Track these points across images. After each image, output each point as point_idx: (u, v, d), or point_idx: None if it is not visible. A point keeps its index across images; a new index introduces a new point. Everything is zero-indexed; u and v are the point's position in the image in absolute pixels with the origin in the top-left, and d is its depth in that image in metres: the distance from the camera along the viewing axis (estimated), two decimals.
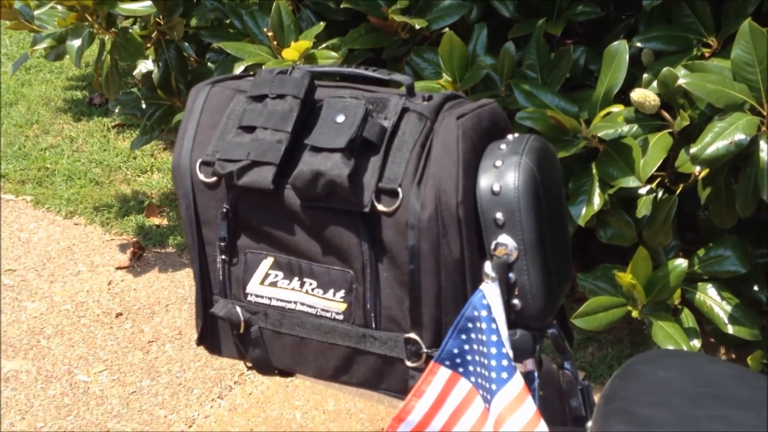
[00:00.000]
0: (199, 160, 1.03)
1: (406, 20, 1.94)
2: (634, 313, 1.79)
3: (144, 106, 2.57)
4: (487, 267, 0.91)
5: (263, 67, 1.95)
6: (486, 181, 0.93)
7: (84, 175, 3.13)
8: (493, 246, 0.92)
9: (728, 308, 1.81)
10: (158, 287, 2.51)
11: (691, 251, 1.89)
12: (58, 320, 2.37)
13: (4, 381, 2.13)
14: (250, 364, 1.09)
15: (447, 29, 1.97)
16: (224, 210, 1.03)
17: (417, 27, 1.94)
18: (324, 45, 2.07)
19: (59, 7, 2.27)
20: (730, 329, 1.80)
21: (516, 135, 0.98)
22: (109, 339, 2.29)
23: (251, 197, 1.01)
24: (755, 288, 1.91)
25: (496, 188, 0.92)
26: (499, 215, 0.92)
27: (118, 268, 2.61)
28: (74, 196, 3.00)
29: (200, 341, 1.12)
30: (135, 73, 2.60)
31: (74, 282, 2.54)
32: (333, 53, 2.01)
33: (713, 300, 1.83)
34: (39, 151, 3.33)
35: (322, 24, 2.05)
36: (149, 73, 2.54)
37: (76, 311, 2.41)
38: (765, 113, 1.52)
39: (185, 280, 2.54)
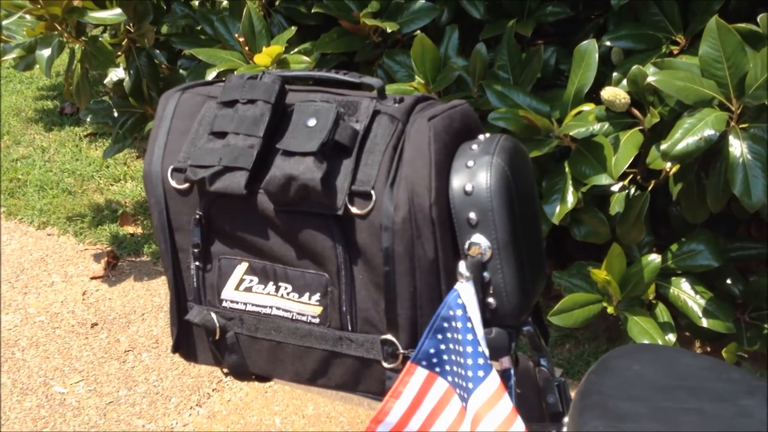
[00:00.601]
0: (171, 166, 1.03)
1: (377, 24, 1.95)
2: (610, 309, 1.81)
3: (116, 114, 2.55)
4: (462, 267, 0.91)
5: (235, 72, 1.94)
6: (458, 182, 0.94)
7: (56, 185, 3.10)
8: (466, 246, 0.93)
9: (702, 302, 1.83)
10: (133, 296, 2.50)
11: (664, 247, 1.91)
12: (32, 332, 2.34)
13: None
14: (226, 371, 1.09)
15: (418, 32, 1.98)
16: (197, 216, 1.02)
17: (389, 30, 1.95)
18: (296, 50, 2.07)
19: (28, 16, 2.25)
20: (705, 323, 1.82)
21: (487, 135, 0.99)
22: (84, 349, 2.27)
23: (224, 203, 1.01)
24: (728, 281, 1.94)
25: (468, 188, 0.93)
26: (472, 215, 0.92)
27: (92, 278, 2.59)
28: (47, 206, 2.97)
29: (176, 349, 1.11)
30: (106, 81, 2.58)
31: (48, 293, 2.52)
32: (305, 58, 2.01)
33: (687, 294, 1.85)
34: (10, 162, 3.30)
35: (293, 29, 2.05)
36: (120, 81, 2.52)
37: (51, 322, 2.39)
38: (733, 109, 1.54)
39: (161, 288, 2.52)
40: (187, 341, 1.10)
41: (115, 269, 2.63)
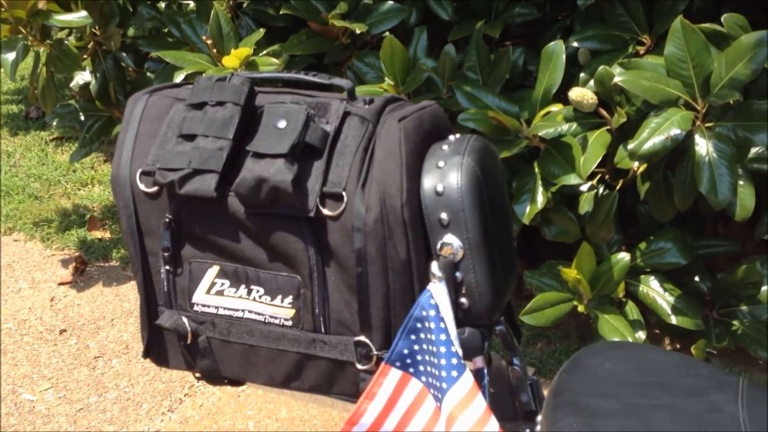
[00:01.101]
0: (139, 170, 1.02)
1: (346, 25, 1.95)
2: (580, 308, 1.83)
3: (82, 118, 2.52)
4: (434, 267, 0.91)
5: (203, 75, 1.93)
6: (429, 182, 0.94)
7: (22, 190, 3.06)
8: (438, 246, 0.93)
9: (671, 299, 1.85)
10: (102, 302, 2.47)
11: (633, 245, 1.93)
12: None
13: None
14: (198, 375, 1.08)
15: (387, 33, 1.98)
16: (167, 220, 1.01)
17: (357, 32, 1.95)
18: (265, 52, 2.06)
19: None
20: (674, 320, 1.84)
21: (458, 135, 0.99)
22: (53, 356, 2.24)
23: (194, 206, 1.00)
24: (696, 279, 1.96)
25: (439, 189, 0.93)
26: (443, 215, 0.93)
27: (60, 284, 2.55)
28: (13, 211, 2.92)
29: (147, 354, 1.10)
30: (72, 84, 2.55)
31: (15, 299, 2.48)
32: (274, 60, 2.00)
33: (656, 292, 1.87)
34: None
35: (261, 31, 2.04)
36: (87, 84, 2.49)
37: (19, 329, 2.35)
38: (699, 108, 1.56)
39: (130, 293, 2.50)
40: (158, 346, 1.09)
41: (84, 275, 2.60)
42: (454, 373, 0.85)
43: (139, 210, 1.03)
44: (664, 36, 1.62)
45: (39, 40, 2.23)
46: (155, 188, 1.01)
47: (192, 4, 2.30)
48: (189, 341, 1.04)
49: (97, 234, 2.80)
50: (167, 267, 1.03)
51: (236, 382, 1.08)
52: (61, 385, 2.14)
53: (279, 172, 0.94)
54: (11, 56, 2.16)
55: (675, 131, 1.52)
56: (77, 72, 2.46)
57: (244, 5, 2.26)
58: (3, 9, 2.08)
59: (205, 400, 2.06)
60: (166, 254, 1.02)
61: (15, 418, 2.02)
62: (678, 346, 2.10)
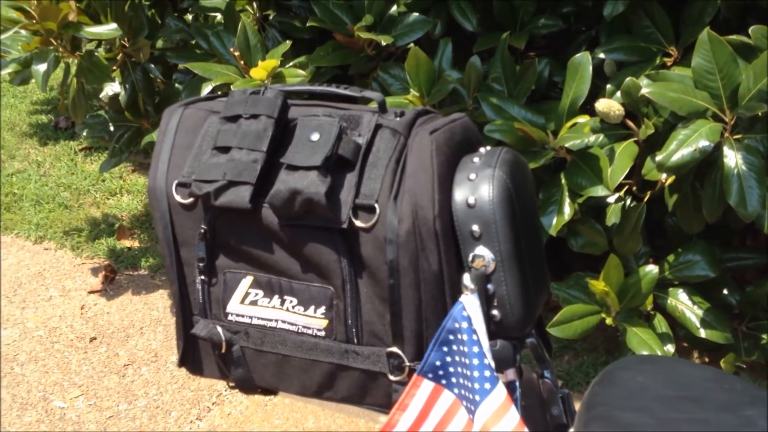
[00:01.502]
0: (175, 181, 1.03)
1: (372, 37, 1.96)
2: (608, 320, 1.82)
3: (112, 128, 2.55)
4: (466, 279, 0.92)
5: (231, 86, 1.95)
6: (461, 195, 0.94)
7: (52, 200, 3.10)
8: (470, 258, 0.93)
9: (700, 312, 1.84)
10: (132, 310, 2.49)
11: (661, 257, 1.92)
12: (31, 346, 2.34)
13: None
14: (232, 384, 1.09)
15: (412, 45, 1.99)
16: (202, 230, 1.03)
17: (383, 43, 1.96)
18: (291, 63, 2.08)
19: (23, 31, 2.26)
20: (703, 333, 1.83)
21: (488, 148, 1.00)
22: (84, 364, 2.27)
23: (229, 217, 1.01)
24: (725, 291, 1.95)
25: (471, 201, 0.93)
26: (475, 227, 0.93)
27: (90, 292, 2.58)
28: (43, 220, 2.97)
29: (182, 363, 1.12)
30: (101, 95, 2.58)
31: (46, 307, 2.51)
32: (300, 71, 2.02)
33: (685, 305, 1.86)
34: (6, 176, 3.29)
35: (288, 42, 2.06)
36: (116, 95, 2.52)
37: (50, 337, 2.38)
38: (727, 120, 1.56)
39: (159, 301, 2.52)
40: (192, 355, 1.10)
41: (113, 283, 2.63)
42: (487, 386, 0.86)
43: (174, 221, 1.04)
44: (691, 47, 1.62)
45: (69, 52, 2.26)
46: (191, 199, 1.02)
47: (219, 17, 2.33)
48: (223, 350, 1.05)
49: (126, 243, 2.84)
50: (202, 277, 1.04)
51: (269, 392, 1.09)
52: (91, 393, 2.16)
53: (312, 184, 0.95)
54: (42, 67, 2.20)
55: (703, 143, 1.52)
56: (107, 83, 2.49)
57: (271, 17, 2.29)
58: (34, 21, 2.11)
59: (233, 408, 2.07)
60: (201, 264, 1.04)
61: (46, 425, 2.05)
62: (707, 359, 2.09)
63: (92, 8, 2.27)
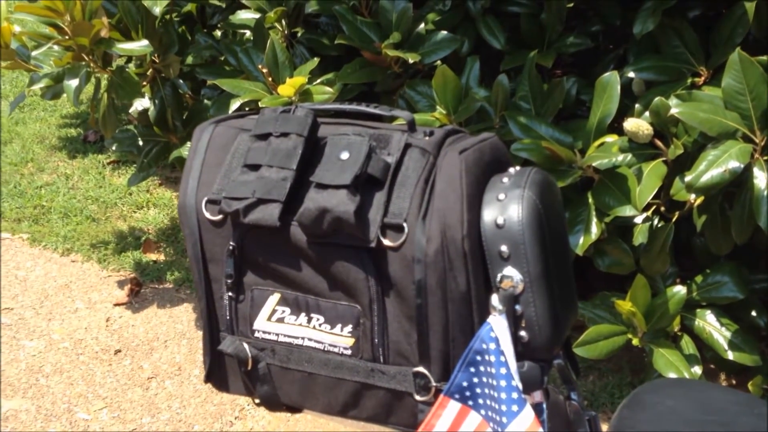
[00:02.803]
0: (205, 198, 1.04)
1: (399, 54, 1.97)
2: (635, 341, 1.80)
3: (140, 143, 2.58)
4: (494, 300, 0.91)
5: (259, 103, 1.97)
6: (490, 215, 0.94)
7: (80, 212, 3.14)
8: (498, 278, 0.93)
9: (727, 334, 1.82)
10: (156, 323, 2.51)
11: (689, 278, 1.91)
12: (56, 358, 2.36)
13: (3, 420, 2.11)
14: (258, 401, 1.09)
15: (439, 62, 2.00)
16: (230, 247, 1.03)
17: (410, 61, 1.97)
18: (319, 80, 2.09)
19: (56, 47, 2.29)
20: (730, 355, 1.81)
21: (518, 168, 1.00)
22: (108, 376, 2.29)
23: (257, 234, 1.02)
24: (753, 313, 1.93)
25: (500, 221, 0.93)
26: (503, 248, 0.93)
27: (116, 305, 2.61)
28: (71, 233, 3.00)
29: (208, 378, 1.12)
30: (131, 110, 2.61)
31: (72, 319, 2.54)
32: (328, 88, 2.03)
33: (712, 326, 1.84)
34: (34, 189, 3.34)
35: (316, 60, 2.08)
36: (145, 110, 2.55)
37: (75, 348, 2.40)
38: (757, 141, 1.55)
39: (183, 315, 2.54)
40: (219, 371, 1.11)
41: (138, 296, 2.65)
42: (515, 408, 0.85)
43: (204, 237, 1.05)
44: (721, 67, 1.61)
45: (101, 67, 2.29)
46: (220, 216, 1.03)
47: (248, 33, 2.35)
48: (249, 367, 1.05)
49: (152, 256, 2.86)
50: (230, 293, 1.05)
51: (294, 409, 1.09)
52: (115, 405, 2.18)
53: (341, 202, 0.95)
54: (74, 83, 2.23)
55: (733, 164, 1.51)
56: (136, 98, 2.52)
57: (299, 35, 2.31)
58: (67, 37, 2.15)
59: (255, 423, 2.08)
60: (229, 281, 1.04)
61: None
62: (734, 381, 2.06)
63: (123, 24, 2.30)
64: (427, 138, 1.00)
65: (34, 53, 2.35)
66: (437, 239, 0.93)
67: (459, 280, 0.93)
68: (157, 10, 2.10)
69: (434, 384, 0.96)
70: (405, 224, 0.95)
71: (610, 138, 1.74)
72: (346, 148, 0.99)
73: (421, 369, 0.97)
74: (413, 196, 0.96)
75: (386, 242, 0.95)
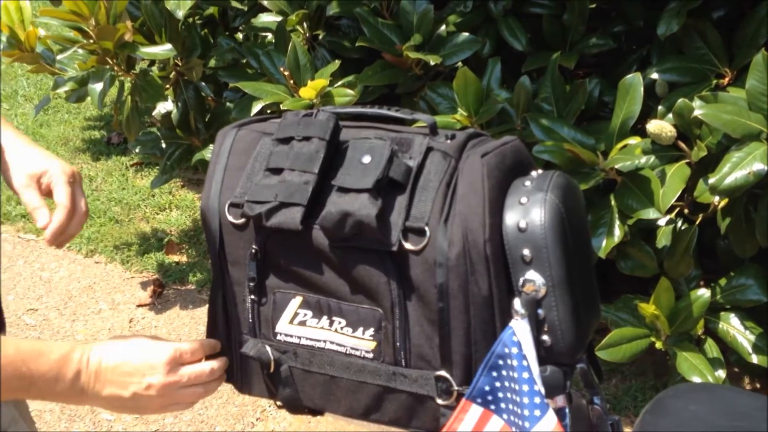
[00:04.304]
0: (228, 202, 1.05)
1: (420, 56, 1.97)
2: (658, 344, 1.79)
3: (164, 145, 2.60)
4: (516, 304, 0.91)
5: (281, 105, 1.98)
6: (512, 218, 0.94)
7: (104, 214, 3.16)
8: (521, 282, 0.93)
9: (752, 338, 1.80)
10: (179, 324, 2.53)
11: (712, 280, 1.89)
12: None
13: None
14: (280, 403, 1.10)
15: (460, 64, 1.99)
16: (253, 251, 1.04)
17: (431, 63, 1.97)
18: (340, 83, 2.10)
19: (81, 50, 2.32)
20: (755, 359, 1.79)
21: (540, 171, 0.99)
22: None
23: (280, 238, 1.02)
24: None
25: (522, 225, 0.93)
26: (526, 252, 0.93)
27: (138, 306, 2.63)
28: (94, 234, 3.03)
29: (229, 379, 1.13)
30: (154, 113, 2.64)
31: (96, 320, 2.56)
32: (349, 90, 2.04)
33: (736, 329, 1.83)
34: None
35: (337, 62, 2.08)
36: (168, 113, 2.57)
37: None
38: None
39: (205, 316, 2.54)
40: (242, 373, 1.11)
41: (161, 297, 2.67)
42: (537, 412, 0.85)
43: (226, 240, 1.06)
44: (744, 69, 1.60)
45: (124, 71, 2.32)
46: (243, 220, 1.03)
47: (270, 36, 2.36)
48: (272, 370, 1.06)
49: (175, 258, 2.88)
50: (252, 297, 1.05)
51: (316, 412, 1.10)
52: None
53: (363, 206, 0.95)
54: (99, 86, 2.25)
55: (758, 166, 1.49)
56: (159, 101, 2.54)
57: (320, 37, 2.31)
58: (92, 41, 2.17)
59: (276, 425, 2.08)
60: (251, 284, 1.05)
61: None
62: (758, 385, 2.04)
63: (147, 28, 2.32)
64: (448, 141, 1.00)
65: (58, 57, 2.38)
66: (459, 243, 0.93)
67: (481, 284, 0.93)
68: (180, 14, 2.11)
69: (456, 388, 0.96)
70: (427, 228, 0.95)
71: (633, 140, 1.73)
72: (368, 151, 0.99)
73: (442, 373, 0.97)
74: (435, 199, 0.96)
75: (408, 246, 0.95)
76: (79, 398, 0.99)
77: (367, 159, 0.98)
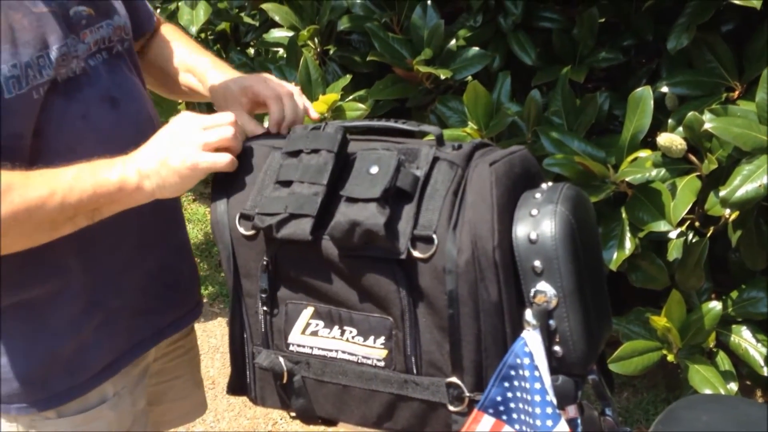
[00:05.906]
0: (238, 214, 1.06)
1: (431, 71, 1.98)
2: (670, 357, 1.78)
3: None
4: (528, 314, 0.92)
5: None
6: (523, 230, 0.95)
7: None
8: (532, 293, 0.93)
9: (763, 350, 1.80)
10: None
11: (724, 293, 1.88)
12: None
13: None
14: (293, 414, 1.10)
15: (471, 78, 2.00)
16: (264, 262, 1.05)
17: (442, 77, 1.98)
18: (351, 97, 2.11)
19: None
20: (766, 371, 1.78)
21: (550, 183, 1.00)
22: None
23: (290, 249, 1.03)
24: None
25: (533, 237, 0.94)
26: (537, 263, 0.93)
27: None
28: None
29: (231, 390, 1.14)
30: None
31: None
32: (360, 105, 2.05)
33: (748, 342, 1.82)
34: None
35: (348, 76, 2.10)
36: None
37: None
38: None
39: (217, 329, 2.56)
40: (255, 385, 1.12)
41: None
42: (549, 423, 0.85)
43: (237, 252, 1.07)
44: (754, 82, 1.60)
45: None
46: (253, 232, 1.05)
47: (282, 51, 2.38)
48: (285, 381, 1.06)
49: None
50: (264, 308, 1.06)
51: (329, 422, 1.10)
52: None
53: (372, 215, 0.96)
54: None
55: None
56: (173, 115, 2.56)
57: (332, 52, 2.33)
58: None
59: None
60: (263, 296, 1.06)
61: None
62: None
63: None
64: (455, 151, 1.01)
65: None
66: (468, 250, 0.94)
67: (490, 290, 0.93)
68: (194, 29, 2.14)
69: (467, 394, 0.96)
70: (434, 236, 0.96)
71: (644, 153, 1.73)
72: (376, 162, 1.00)
73: (454, 379, 0.97)
74: (442, 208, 0.97)
75: (416, 254, 0.96)
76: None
77: (374, 169, 0.99)
